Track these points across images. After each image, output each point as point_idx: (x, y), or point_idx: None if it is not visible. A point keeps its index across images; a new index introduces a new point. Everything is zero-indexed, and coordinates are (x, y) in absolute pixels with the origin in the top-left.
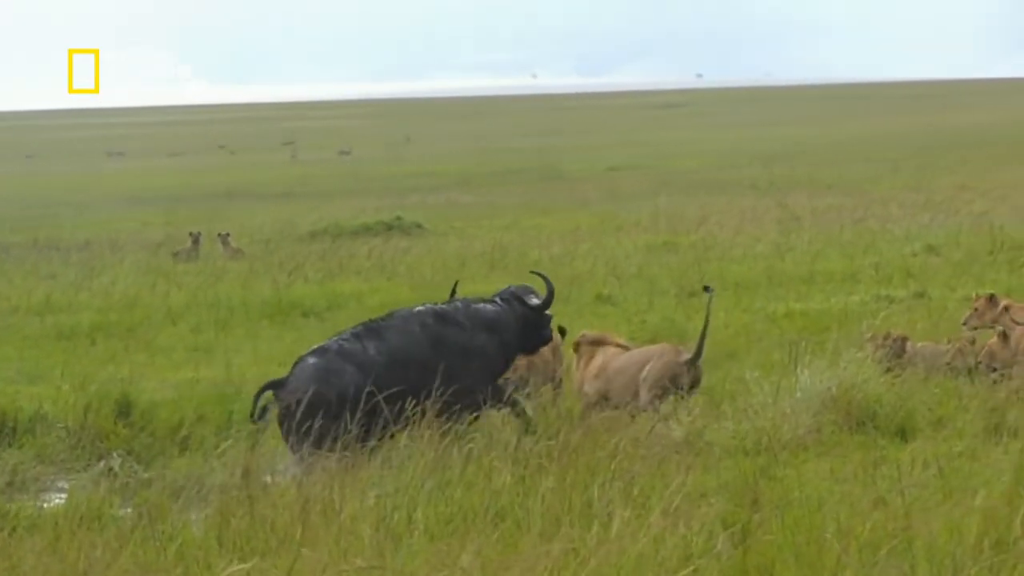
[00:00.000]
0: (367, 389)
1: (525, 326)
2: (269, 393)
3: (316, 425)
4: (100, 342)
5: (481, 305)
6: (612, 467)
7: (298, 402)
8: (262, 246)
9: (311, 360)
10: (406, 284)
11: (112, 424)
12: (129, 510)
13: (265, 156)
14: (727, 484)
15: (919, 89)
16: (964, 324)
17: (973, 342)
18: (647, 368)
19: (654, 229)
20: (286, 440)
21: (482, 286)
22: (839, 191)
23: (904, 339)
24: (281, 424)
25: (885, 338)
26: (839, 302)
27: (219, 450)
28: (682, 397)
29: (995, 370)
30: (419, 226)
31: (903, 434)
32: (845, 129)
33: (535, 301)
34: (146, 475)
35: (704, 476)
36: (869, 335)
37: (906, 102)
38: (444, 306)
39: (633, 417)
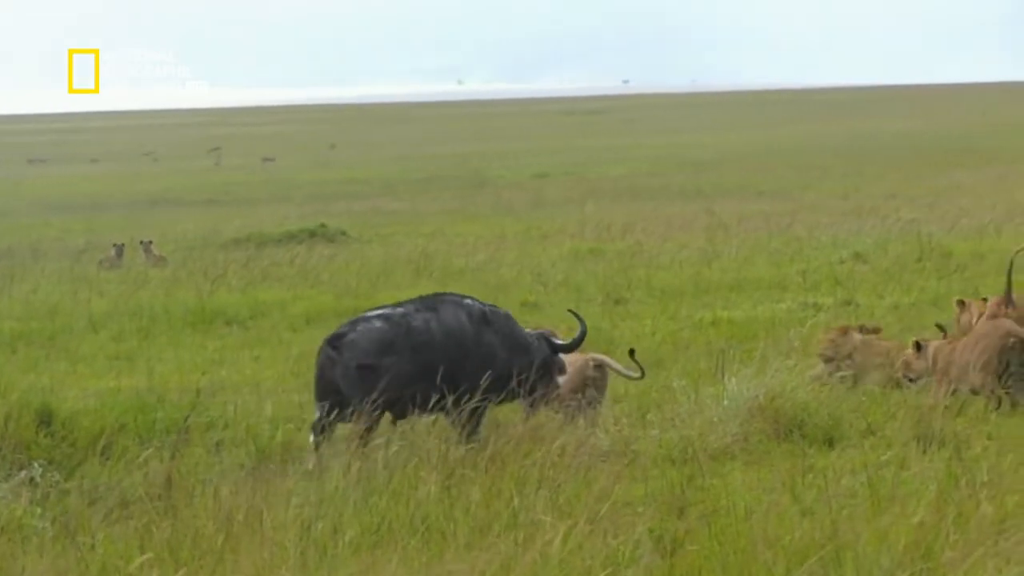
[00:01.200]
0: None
1: (542, 367)
2: None
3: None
4: (21, 350)
5: (519, 327)
6: (539, 476)
7: (360, 365)
8: (185, 253)
9: (377, 324)
10: (330, 292)
11: (33, 433)
12: (50, 522)
13: (189, 163)
14: (654, 493)
15: (849, 95)
16: (819, 356)
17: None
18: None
19: (580, 236)
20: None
21: (408, 294)
22: (767, 198)
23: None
24: (335, 379)
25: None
26: (766, 310)
27: (141, 459)
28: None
29: (912, 380)
30: (344, 233)
31: (831, 442)
32: (773, 136)
33: (560, 341)
34: (67, 485)
35: (631, 485)
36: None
37: (836, 108)
38: (489, 308)
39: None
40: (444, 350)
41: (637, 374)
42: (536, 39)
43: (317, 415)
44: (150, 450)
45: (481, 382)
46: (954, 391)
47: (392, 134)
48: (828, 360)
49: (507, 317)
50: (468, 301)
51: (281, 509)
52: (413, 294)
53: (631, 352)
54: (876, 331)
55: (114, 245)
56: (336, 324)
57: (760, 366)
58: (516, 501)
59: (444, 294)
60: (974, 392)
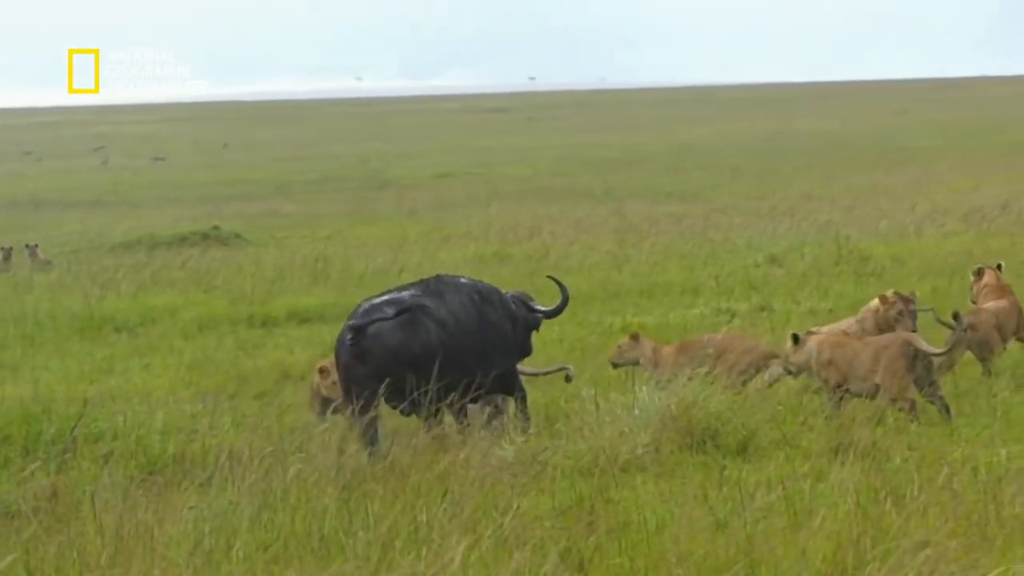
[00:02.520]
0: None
1: (526, 331)
2: None
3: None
4: None
5: (506, 294)
6: (442, 489)
7: (381, 352)
8: (71, 257)
9: (391, 310)
10: (224, 297)
11: None
12: None
13: (74, 162)
14: (562, 507)
15: (764, 92)
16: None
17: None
18: None
19: (485, 239)
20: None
21: (305, 300)
22: (679, 199)
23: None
24: (354, 368)
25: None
26: (679, 315)
27: (26, 472)
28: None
29: (791, 373)
30: (238, 236)
31: (745, 453)
32: (685, 135)
33: (539, 306)
34: None
35: (538, 498)
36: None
37: (750, 106)
38: (483, 284)
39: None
40: (465, 335)
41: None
42: (438, 35)
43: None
44: (36, 463)
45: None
46: (846, 390)
47: (287, 133)
48: (615, 366)
49: (495, 288)
50: (463, 280)
51: (173, 524)
52: (310, 300)
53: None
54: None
55: (0, 248)
56: (230, 331)
57: (671, 374)
58: (418, 515)
59: (439, 276)
60: (869, 396)
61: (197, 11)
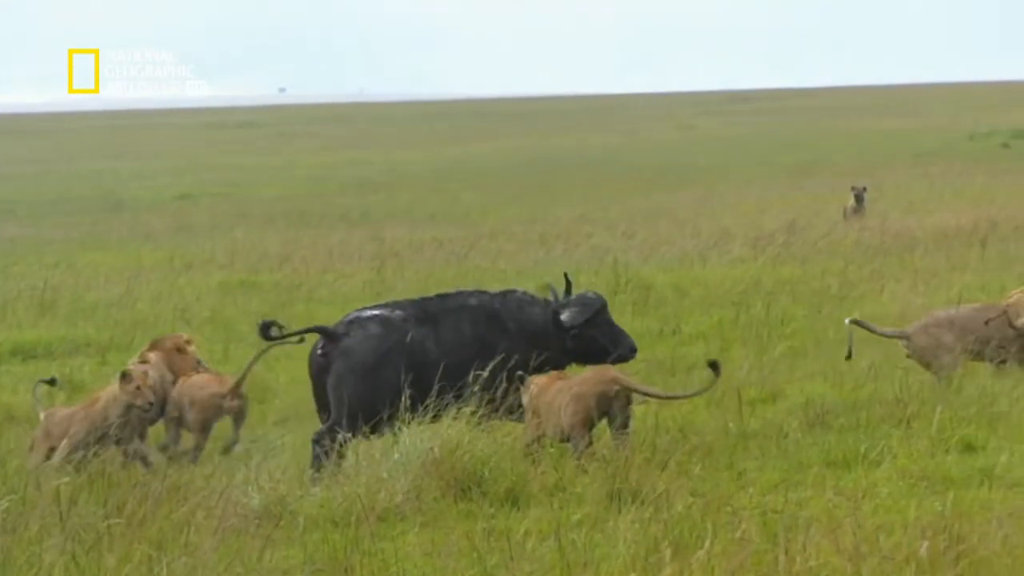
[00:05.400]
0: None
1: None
2: None
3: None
4: None
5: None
6: (182, 540)
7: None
8: None
9: (373, 329)
10: None
11: None
12: None
13: None
14: (313, 559)
15: (535, 106)
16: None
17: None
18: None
19: (230, 266)
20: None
21: (30, 333)
22: (444, 223)
23: None
24: (322, 377)
25: None
26: None
27: None
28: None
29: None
30: None
31: (515, 501)
32: (452, 152)
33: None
34: None
35: (287, 550)
36: None
37: (521, 121)
38: (499, 304)
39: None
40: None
41: None
42: (178, 42)
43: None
44: None
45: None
46: (541, 435)
47: (9, 150)
48: None
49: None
50: (473, 303)
51: None
52: (36, 334)
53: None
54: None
55: None
56: None
57: (435, 414)
58: (156, 569)
59: (447, 296)
60: (562, 440)
61: None
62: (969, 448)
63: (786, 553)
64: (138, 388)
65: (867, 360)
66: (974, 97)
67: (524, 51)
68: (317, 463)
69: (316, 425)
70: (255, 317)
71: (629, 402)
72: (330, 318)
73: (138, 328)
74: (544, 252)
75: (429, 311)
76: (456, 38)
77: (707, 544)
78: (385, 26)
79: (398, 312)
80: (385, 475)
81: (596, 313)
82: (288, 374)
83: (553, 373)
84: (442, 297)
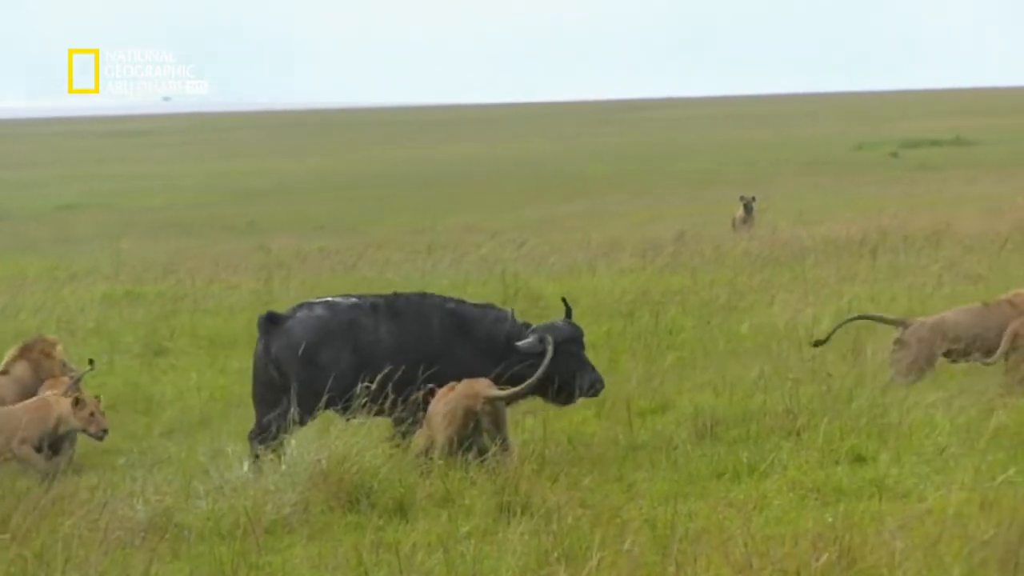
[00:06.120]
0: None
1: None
2: None
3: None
4: None
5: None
6: (66, 554)
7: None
8: None
9: (318, 311)
10: None
11: None
12: None
13: None
14: (199, 572)
15: (425, 115)
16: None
17: None
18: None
19: (115, 277)
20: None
21: None
22: (331, 233)
23: None
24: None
25: None
26: None
27: None
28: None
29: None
30: None
31: (404, 512)
32: (339, 162)
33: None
34: None
35: (173, 564)
36: None
37: (409, 130)
38: (475, 311)
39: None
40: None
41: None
42: (60, 49)
43: None
44: None
45: None
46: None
47: None
48: None
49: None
50: (450, 306)
51: None
52: None
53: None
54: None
55: None
56: None
57: (323, 425)
58: None
59: (423, 297)
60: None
61: None
62: (859, 459)
63: (676, 565)
64: (91, 415)
65: (756, 370)
66: (863, 107)
67: (414, 61)
68: (254, 458)
69: (202, 437)
70: (140, 328)
71: (499, 413)
72: (217, 329)
73: (21, 340)
74: (432, 262)
75: (395, 305)
76: (334, 50)
77: (597, 556)
78: (266, 35)
79: (352, 299)
80: (272, 487)
81: (559, 345)
82: (174, 386)
83: (452, 384)
84: (422, 295)
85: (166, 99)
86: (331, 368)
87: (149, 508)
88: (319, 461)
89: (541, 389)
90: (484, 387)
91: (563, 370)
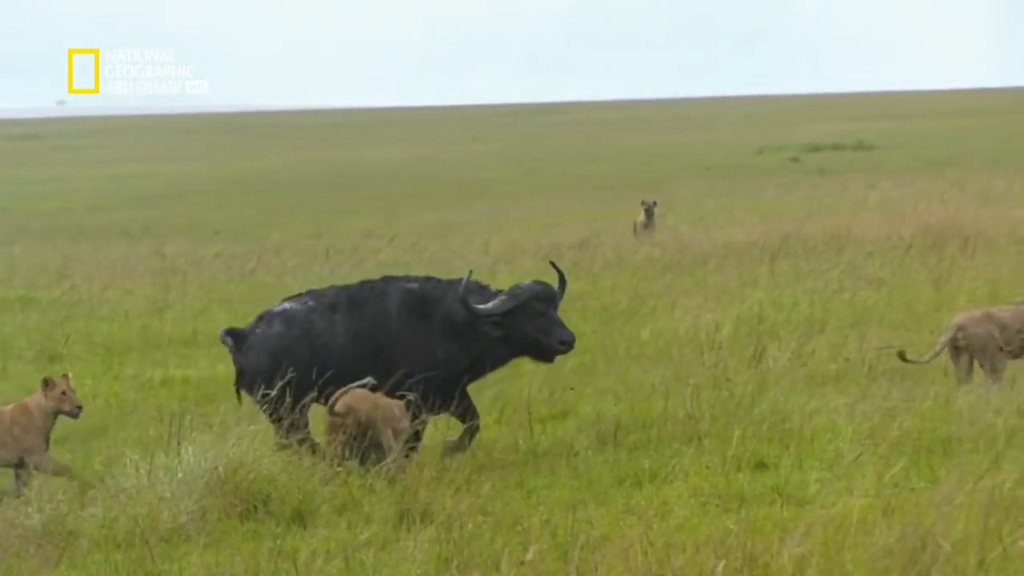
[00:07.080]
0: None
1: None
2: None
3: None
4: None
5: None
6: None
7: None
8: None
9: (276, 328)
10: None
11: None
12: None
13: None
14: None
15: (321, 119)
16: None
17: None
18: None
19: (8, 283)
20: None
21: None
22: (227, 238)
23: None
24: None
25: None
26: (226, 368)
27: None
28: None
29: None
30: None
31: (302, 520)
32: (235, 165)
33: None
34: None
35: (68, 572)
36: None
37: (306, 134)
38: (436, 292)
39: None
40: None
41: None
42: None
43: None
44: None
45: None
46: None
47: None
48: None
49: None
50: (410, 286)
51: None
52: None
53: None
54: None
55: None
56: None
57: (220, 432)
58: None
59: (385, 284)
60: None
61: None
62: (761, 465)
63: (577, 572)
64: (63, 393)
65: (657, 376)
66: (765, 111)
67: (308, 64)
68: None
69: (98, 444)
70: (34, 334)
71: (387, 424)
72: (111, 336)
73: None
74: (330, 268)
75: (356, 296)
76: (235, 51)
77: (498, 564)
78: (161, 34)
79: (310, 303)
80: (168, 495)
81: (525, 303)
82: None
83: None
84: (385, 280)
85: (60, 103)
86: (294, 376)
87: (43, 515)
88: (216, 468)
89: (519, 349)
90: (358, 402)
91: (531, 328)
